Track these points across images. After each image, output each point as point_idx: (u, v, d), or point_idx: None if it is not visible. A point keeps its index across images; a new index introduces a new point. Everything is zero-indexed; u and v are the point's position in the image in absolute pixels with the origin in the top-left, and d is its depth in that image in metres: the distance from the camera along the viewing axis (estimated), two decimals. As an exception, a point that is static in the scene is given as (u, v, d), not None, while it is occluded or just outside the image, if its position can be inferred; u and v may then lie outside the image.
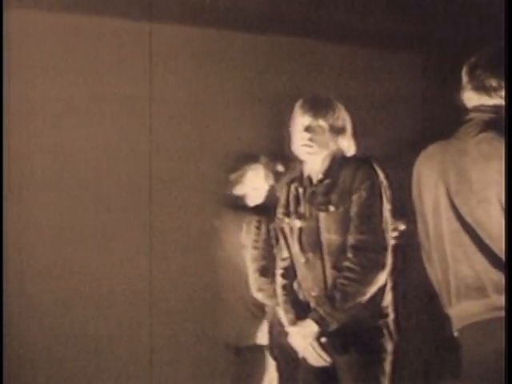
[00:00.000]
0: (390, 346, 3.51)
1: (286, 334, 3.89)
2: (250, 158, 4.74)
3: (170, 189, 5.70)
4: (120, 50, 5.65)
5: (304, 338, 3.50)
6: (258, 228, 4.28)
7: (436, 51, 5.86)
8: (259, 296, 4.31)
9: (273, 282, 4.06)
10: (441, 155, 3.01)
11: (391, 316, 3.54)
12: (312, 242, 3.52)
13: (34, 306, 5.37)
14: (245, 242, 4.41)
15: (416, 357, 5.86)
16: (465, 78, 3.02)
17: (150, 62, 5.73)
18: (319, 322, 3.44)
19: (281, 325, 4.02)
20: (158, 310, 5.65)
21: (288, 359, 4.03)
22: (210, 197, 5.25)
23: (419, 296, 5.27)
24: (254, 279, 4.30)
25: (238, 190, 4.72)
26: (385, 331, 3.50)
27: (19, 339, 5.25)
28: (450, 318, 3.04)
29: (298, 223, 3.57)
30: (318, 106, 3.55)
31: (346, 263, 3.43)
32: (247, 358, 4.61)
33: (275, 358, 4.31)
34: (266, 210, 4.31)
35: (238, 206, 4.68)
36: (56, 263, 5.45)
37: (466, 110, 3.03)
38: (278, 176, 4.41)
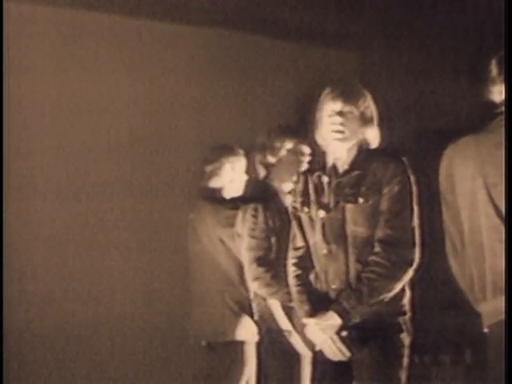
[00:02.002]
0: (407, 340, 3.39)
1: (280, 329, 3.83)
2: (226, 150, 4.58)
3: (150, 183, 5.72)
4: (118, 46, 5.65)
5: (324, 331, 3.34)
6: (255, 216, 4.08)
7: (463, 45, 5.81)
8: (255, 285, 4.10)
9: (269, 270, 3.96)
10: (476, 148, 2.90)
11: (409, 314, 3.42)
12: (336, 234, 3.37)
13: (34, 306, 5.32)
14: (240, 231, 4.22)
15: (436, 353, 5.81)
16: (494, 71, 2.91)
17: (148, 60, 5.75)
18: (342, 315, 3.29)
19: (274, 319, 3.94)
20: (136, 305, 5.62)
21: (281, 354, 3.94)
22: (186, 189, 5.16)
23: (438, 293, 5.18)
24: (250, 269, 4.09)
25: (215, 183, 4.56)
26: (403, 327, 3.37)
27: (19, 339, 5.19)
28: (480, 314, 2.94)
29: (321, 213, 3.41)
30: (350, 93, 3.43)
31: (374, 257, 3.30)
32: (224, 355, 4.42)
33: (263, 354, 4.17)
34: (262, 199, 4.14)
35: (215, 198, 4.53)
36: (56, 263, 5.43)
37: (493, 104, 2.92)
38: (269, 167, 4.20)
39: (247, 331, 4.37)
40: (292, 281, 3.53)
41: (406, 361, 3.36)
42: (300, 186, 3.54)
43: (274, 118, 5.65)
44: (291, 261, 3.56)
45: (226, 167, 4.54)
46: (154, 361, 5.67)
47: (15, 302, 5.12)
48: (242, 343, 4.39)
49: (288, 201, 4.00)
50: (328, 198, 3.42)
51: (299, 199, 3.53)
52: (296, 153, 4.11)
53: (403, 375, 3.35)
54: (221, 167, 4.54)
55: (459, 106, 5.01)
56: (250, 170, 4.48)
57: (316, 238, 3.44)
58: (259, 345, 4.29)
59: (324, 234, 3.40)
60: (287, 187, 4.07)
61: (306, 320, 3.43)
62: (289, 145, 4.12)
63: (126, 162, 5.68)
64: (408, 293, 3.41)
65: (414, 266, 3.33)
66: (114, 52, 5.62)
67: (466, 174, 2.91)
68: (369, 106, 3.44)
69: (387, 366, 3.34)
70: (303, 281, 3.48)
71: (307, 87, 5.49)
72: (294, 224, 3.55)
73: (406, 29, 5.70)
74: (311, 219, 3.46)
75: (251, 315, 4.38)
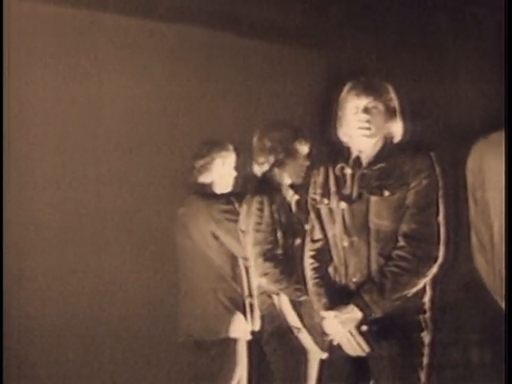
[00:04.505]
0: (427, 339, 3.28)
1: (287, 327, 3.76)
2: (217, 145, 4.49)
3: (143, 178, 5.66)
4: (118, 44, 5.59)
5: (343, 324, 3.22)
6: (261, 210, 3.95)
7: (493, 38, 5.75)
8: (263, 281, 3.96)
9: (278, 265, 3.84)
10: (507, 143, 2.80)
11: (429, 312, 3.31)
12: (358, 226, 3.25)
13: (34, 306, 5.24)
14: (244, 226, 4.07)
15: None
16: None
17: (145, 57, 5.67)
18: (363, 308, 3.18)
19: (280, 316, 3.84)
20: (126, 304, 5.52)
21: (288, 353, 3.87)
22: (175, 184, 5.01)
23: (460, 291, 5.09)
24: (257, 264, 3.95)
25: (205, 178, 4.46)
26: (423, 325, 3.27)
27: (19, 339, 5.11)
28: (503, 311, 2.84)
29: (342, 205, 3.30)
30: (373, 87, 3.33)
31: (398, 252, 3.20)
32: (215, 353, 4.29)
33: (271, 351, 4.04)
34: (268, 191, 4.01)
35: (206, 193, 4.43)
36: (56, 263, 5.35)
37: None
38: (269, 164, 4.03)
39: (240, 329, 4.27)
40: (309, 273, 3.40)
41: (425, 360, 3.25)
42: (320, 179, 3.42)
43: (268, 115, 5.58)
44: (309, 253, 3.43)
45: (216, 162, 4.45)
46: (142, 359, 5.57)
47: (15, 301, 5.02)
48: (234, 341, 4.28)
49: (289, 195, 4.00)
50: (350, 189, 3.31)
51: (319, 191, 3.41)
52: (295, 149, 4.03)
53: (423, 375, 3.24)
54: (212, 162, 4.45)
55: (487, 100, 4.93)
56: (240, 166, 4.39)
57: (336, 231, 3.32)
58: (251, 343, 4.21)
59: (345, 226, 3.29)
60: (288, 182, 4.02)
61: (324, 313, 3.30)
62: (286, 141, 4.02)
63: (116, 157, 5.60)
64: (429, 291, 3.30)
65: (439, 262, 3.22)
66: (113, 50, 5.55)
67: (498, 170, 2.82)
68: (392, 98, 3.35)
69: (406, 365, 3.22)
70: (321, 274, 3.36)
71: (309, 86, 5.48)
72: (313, 216, 3.42)
73: (430, 22, 5.64)
74: (331, 211, 3.34)
75: (244, 312, 4.30)
